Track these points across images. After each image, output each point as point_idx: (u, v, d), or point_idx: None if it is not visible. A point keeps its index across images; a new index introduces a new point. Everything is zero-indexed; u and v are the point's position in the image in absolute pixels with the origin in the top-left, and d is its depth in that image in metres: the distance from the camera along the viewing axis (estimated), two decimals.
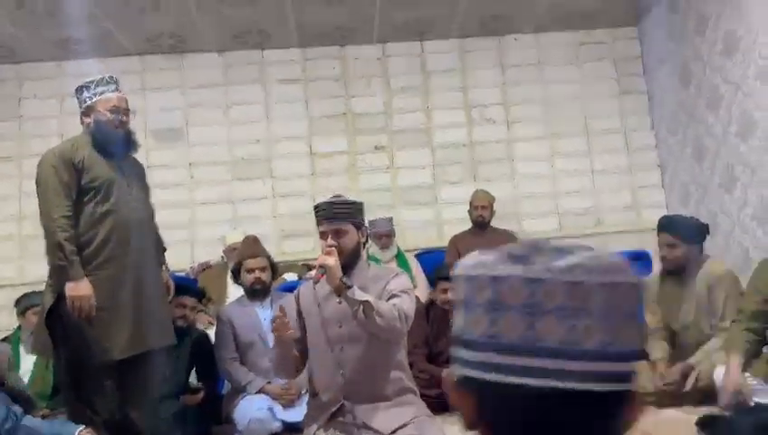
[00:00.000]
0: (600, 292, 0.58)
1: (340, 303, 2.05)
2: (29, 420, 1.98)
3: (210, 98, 4.93)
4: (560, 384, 0.57)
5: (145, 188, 2.72)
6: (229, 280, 3.99)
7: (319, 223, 2.15)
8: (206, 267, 4.35)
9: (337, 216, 2.12)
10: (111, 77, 2.60)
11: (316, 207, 2.18)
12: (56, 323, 2.44)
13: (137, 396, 2.61)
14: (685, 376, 2.87)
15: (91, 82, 2.55)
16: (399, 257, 4.39)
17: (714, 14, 4.14)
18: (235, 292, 3.78)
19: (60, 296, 2.39)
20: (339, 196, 2.22)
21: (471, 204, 4.39)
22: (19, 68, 4.81)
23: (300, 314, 2.23)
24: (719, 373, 2.65)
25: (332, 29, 4.78)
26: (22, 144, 4.77)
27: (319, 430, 2.05)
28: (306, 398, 3.01)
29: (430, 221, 4.91)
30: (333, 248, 2.05)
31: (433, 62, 5.08)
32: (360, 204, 2.21)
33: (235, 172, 4.90)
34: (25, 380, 3.15)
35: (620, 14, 4.96)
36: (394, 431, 2.01)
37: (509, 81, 5.09)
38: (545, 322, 0.58)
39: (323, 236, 2.12)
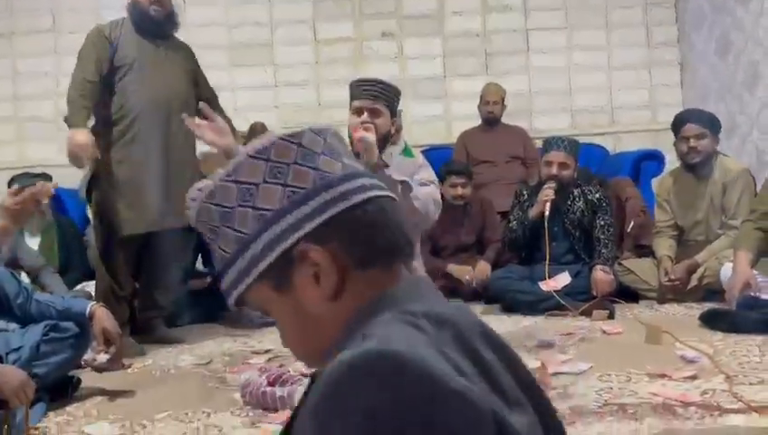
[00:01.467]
0: (332, 137, 0.68)
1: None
2: (41, 296, 1.99)
3: None
4: (373, 193, 0.65)
5: (188, 70, 2.76)
6: None
7: (355, 98, 2.07)
8: (207, 157, 4.26)
9: (377, 95, 2.05)
10: None
11: (357, 82, 2.12)
12: (92, 196, 2.65)
13: (159, 274, 2.77)
14: (690, 273, 2.89)
15: None
16: (406, 152, 4.29)
17: None
18: None
19: (96, 171, 2.60)
20: (378, 79, 2.14)
21: (481, 98, 4.22)
22: None
23: None
24: (726, 271, 2.66)
25: None
26: (12, 20, 4.52)
27: None
28: None
29: (439, 116, 4.77)
30: (371, 125, 1.98)
31: None
32: (399, 91, 2.14)
33: (234, 58, 4.68)
34: None
35: None
36: None
37: None
38: (322, 161, 0.65)
39: (359, 111, 2.05)
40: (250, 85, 4.70)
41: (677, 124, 2.97)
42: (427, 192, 2.04)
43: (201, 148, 4.34)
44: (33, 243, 3.23)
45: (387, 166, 1.96)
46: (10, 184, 3.25)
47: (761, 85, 3.91)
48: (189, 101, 2.71)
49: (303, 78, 4.71)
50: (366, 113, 2.05)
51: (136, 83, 2.58)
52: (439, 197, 2.14)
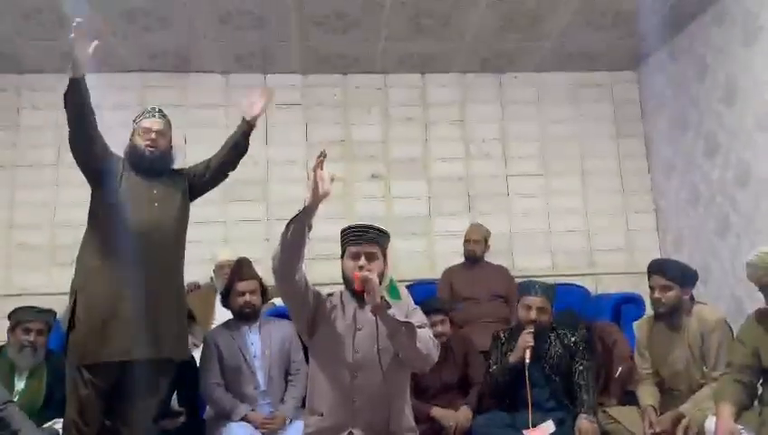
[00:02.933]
0: None
1: (359, 329, 2.02)
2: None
3: (210, 118, 4.93)
4: None
5: (179, 199, 2.85)
6: (217, 302, 3.93)
7: (350, 243, 2.14)
8: (194, 288, 4.29)
9: (371, 239, 2.13)
10: (154, 108, 2.90)
11: (351, 228, 2.18)
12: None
13: (128, 411, 2.66)
14: (675, 424, 2.83)
15: (140, 114, 2.88)
16: (392, 292, 4.34)
17: (714, 62, 4.21)
18: (221, 313, 3.72)
19: (76, 300, 2.59)
20: (372, 224, 2.22)
21: (465, 237, 4.37)
22: (20, 78, 4.80)
23: (324, 314, 2.16)
24: (710, 424, 2.61)
25: (335, 57, 4.82)
26: (16, 153, 4.74)
27: None
28: (292, 427, 2.95)
29: (423, 252, 4.89)
30: (372, 267, 2.04)
31: (433, 95, 5.12)
32: (389, 235, 2.21)
33: (229, 193, 4.86)
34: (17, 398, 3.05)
35: (620, 58, 5.03)
36: None
37: (508, 117, 5.13)
38: None
39: (356, 256, 2.10)
40: (243, 218, 4.85)
41: (648, 272, 3.04)
42: (426, 334, 2.07)
43: (188, 280, 4.42)
44: (21, 382, 3.12)
45: (389, 307, 1.99)
46: (10, 316, 3.18)
47: (731, 233, 4.07)
48: (179, 233, 2.83)
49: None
50: (363, 257, 2.10)
51: (124, 217, 2.65)
52: (434, 338, 2.15)
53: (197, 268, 4.54)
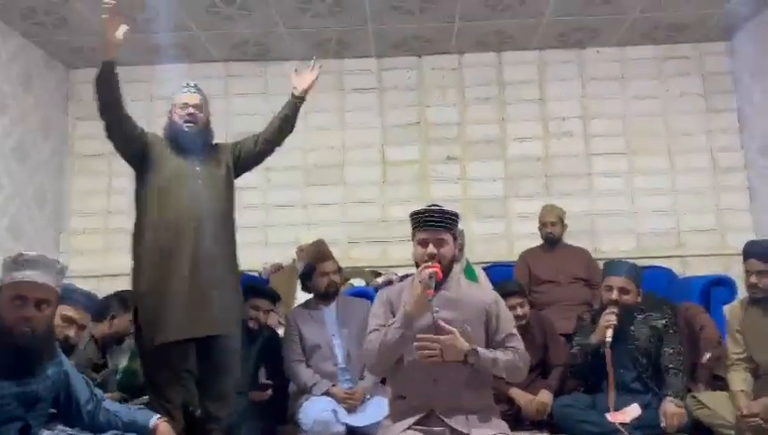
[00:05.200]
0: None
1: (436, 312, 2.02)
2: (110, 404, 2.07)
3: None
4: None
5: (223, 174, 2.80)
6: (298, 282, 4.06)
7: (418, 230, 2.12)
8: (277, 269, 4.46)
9: (439, 224, 2.10)
10: (188, 83, 2.84)
11: (417, 213, 2.15)
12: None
13: (212, 384, 2.73)
14: None
15: (177, 91, 2.82)
16: (468, 270, 4.34)
17: None
18: (302, 293, 3.84)
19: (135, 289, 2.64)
20: (436, 205, 2.17)
21: (540, 220, 4.28)
22: None
23: (393, 315, 2.20)
24: None
25: (410, 39, 4.82)
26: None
27: (406, 430, 2.04)
28: (371, 402, 3.04)
29: (500, 234, 4.85)
30: (435, 253, 2.06)
31: (510, 74, 5.03)
32: (458, 215, 2.19)
33: (308, 178, 5.00)
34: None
35: (710, 29, 4.74)
36: None
37: (589, 94, 4.97)
38: None
39: (424, 243, 2.10)
40: (322, 202, 4.98)
41: (743, 255, 2.88)
42: (514, 362, 2.10)
43: (268, 259, 4.58)
44: (123, 361, 3.35)
45: (476, 353, 2.02)
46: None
47: None
48: (225, 208, 2.77)
49: (370, 197, 4.95)
50: (431, 245, 2.10)
51: (168, 197, 2.64)
52: (523, 347, 2.15)
53: (280, 249, 4.73)
